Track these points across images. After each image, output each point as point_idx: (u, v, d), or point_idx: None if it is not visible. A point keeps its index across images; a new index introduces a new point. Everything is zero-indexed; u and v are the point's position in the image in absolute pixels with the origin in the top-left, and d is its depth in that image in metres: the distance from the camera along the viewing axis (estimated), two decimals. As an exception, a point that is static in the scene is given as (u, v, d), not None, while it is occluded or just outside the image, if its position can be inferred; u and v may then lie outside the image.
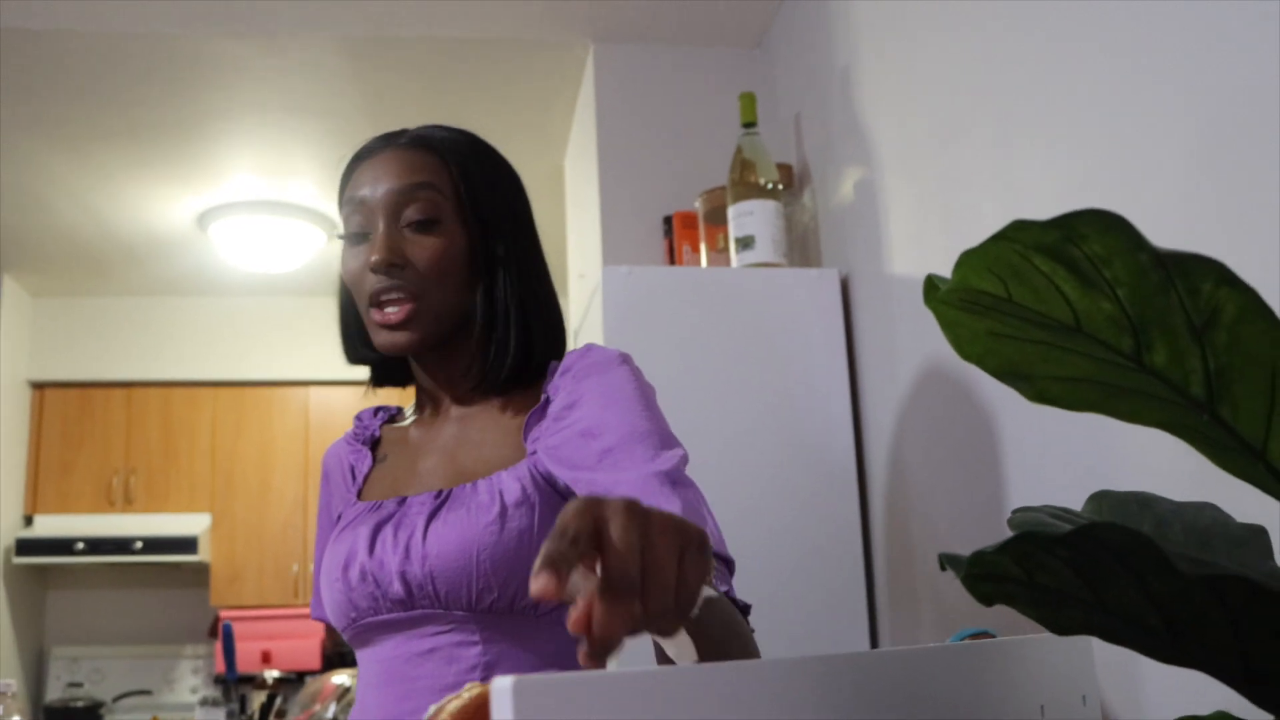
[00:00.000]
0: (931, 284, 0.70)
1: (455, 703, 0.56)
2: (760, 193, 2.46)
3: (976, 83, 1.85)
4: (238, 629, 3.85)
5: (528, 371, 1.41)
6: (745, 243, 2.44)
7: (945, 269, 0.72)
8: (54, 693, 5.42)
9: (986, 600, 0.71)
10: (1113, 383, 0.71)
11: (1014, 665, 1.02)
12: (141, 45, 3.27)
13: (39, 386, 5.66)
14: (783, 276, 2.41)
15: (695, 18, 3.06)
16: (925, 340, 2.05)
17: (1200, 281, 0.61)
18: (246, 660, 4.83)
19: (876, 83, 2.29)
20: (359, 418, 1.58)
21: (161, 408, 5.63)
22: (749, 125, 2.54)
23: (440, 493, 1.33)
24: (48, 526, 5.40)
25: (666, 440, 1.27)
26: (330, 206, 4.35)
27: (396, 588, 1.29)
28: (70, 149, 4.02)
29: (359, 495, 1.47)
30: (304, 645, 5.21)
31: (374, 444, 1.54)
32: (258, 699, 3.35)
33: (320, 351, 5.38)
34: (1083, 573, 0.62)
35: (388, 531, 1.33)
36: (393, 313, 1.34)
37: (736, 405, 2.32)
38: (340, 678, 3.18)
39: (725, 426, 2.29)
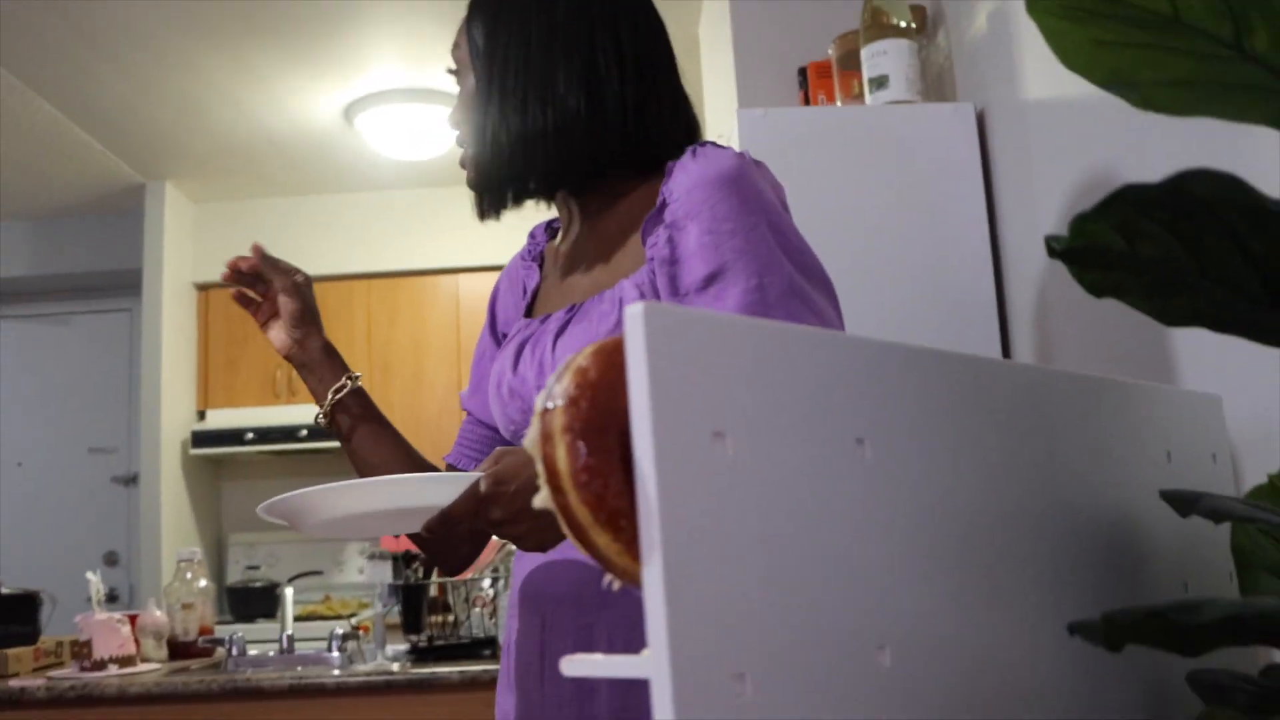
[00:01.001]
0: (1033, -14, 0.73)
1: (593, 345, 0.62)
2: (894, 32, 2.46)
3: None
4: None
5: (610, 171, 1.44)
6: (879, 82, 2.44)
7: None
8: (234, 575, 5.76)
9: (1096, 290, 0.74)
10: (1216, 81, 0.73)
11: (1141, 408, 1.05)
12: (283, -65, 3.37)
13: (204, 289, 5.92)
14: (918, 113, 2.41)
15: None
16: (1063, 168, 2.04)
17: (1293, -52, 0.63)
18: (407, 541, 5.04)
19: (1006, -90, 2.26)
20: (531, 234, 1.65)
21: (318, 302, 5.83)
22: (879, -33, 2.53)
23: (572, 307, 1.40)
24: (219, 419, 5.68)
25: (767, 266, 1.27)
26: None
27: (536, 400, 1.38)
28: (223, 49, 4.17)
29: (528, 311, 1.56)
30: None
31: (543, 259, 1.61)
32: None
33: (468, 238, 5.53)
34: (1181, 234, 0.65)
35: (528, 349, 1.41)
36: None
37: (875, 243, 2.35)
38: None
39: (864, 264, 2.32)
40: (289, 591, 3.33)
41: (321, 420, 1.56)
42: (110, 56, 4.17)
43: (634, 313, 0.56)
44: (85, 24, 3.89)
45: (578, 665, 0.62)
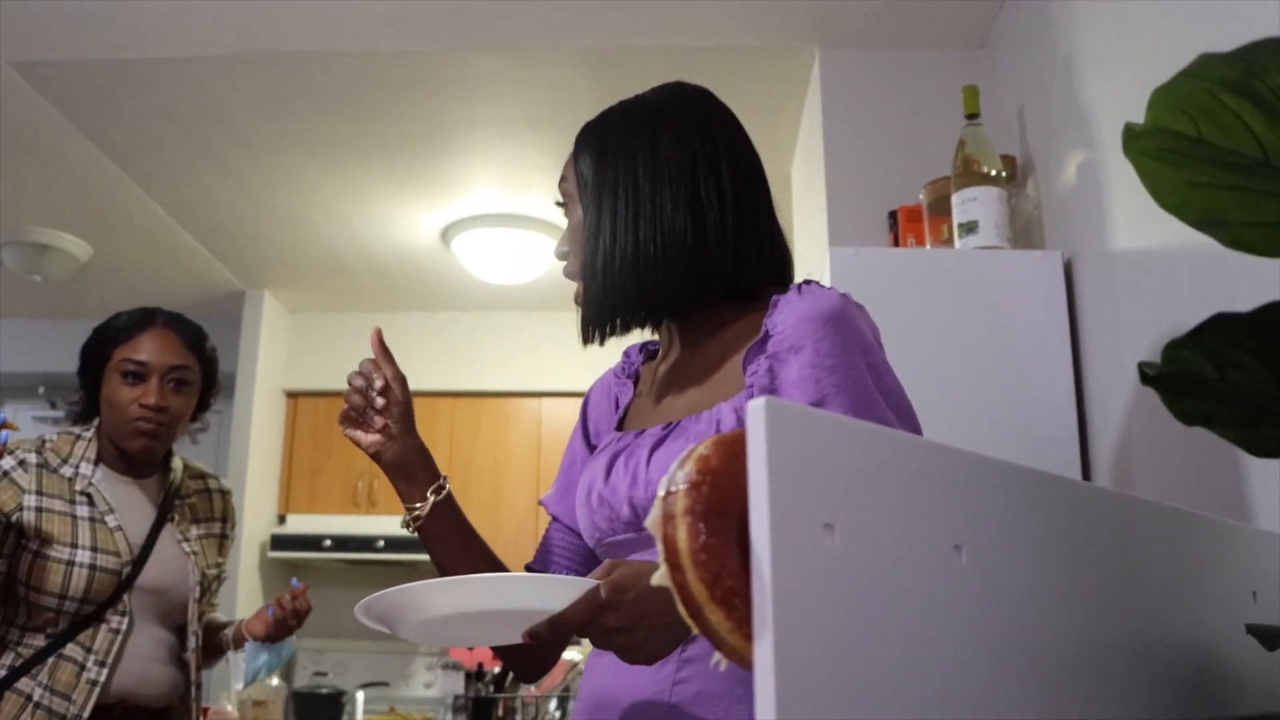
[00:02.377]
0: (1130, 131, 0.78)
1: (715, 436, 0.67)
2: (984, 180, 2.52)
3: (1196, 50, 1.88)
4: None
5: (704, 302, 1.49)
6: (969, 228, 2.51)
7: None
8: (301, 680, 5.78)
9: (1186, 419, 0.79)
10: (1304, 224, 0.78)
11: (1229, 545, 1.08)
12: (396, 62, 3.53)
13: (293, 396, 6.07)
14: (1006, 259, 2.47)
15: (919, 21, 3.15)
16: (1149, 317, 2.07)
17: (1377, 104, 0.68)
18: (480, 653, 5.05)
19: (1098, 66, 2.33)
20: (626, 353, 1.70)
21: (405, 417, 5.94)
22: (972, 116, 2.61)
23: (669, 424, 1.45)
24: (299, 525, 5.77)
25: (863, 403, 1.32)
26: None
27: (625, 511, 1.42)
28: (329, 164, 4.33)
29: (619, 425, 1.61)
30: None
31: (637, 378, 1.67)
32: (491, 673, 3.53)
33: (554, 364, 5.64)
34: (1270, 364, 0.69)
35: (621, 461, 1.46)
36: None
37: (960, 384, 2.38)
38: (570, 654, 3.33)
39: (947, 408, 2.35)
40: (360, 696, 3.36)
41: (411, 523, 1.56)
42: (224, 168, 4.35)
43: (757, 407, 0.61)
44: (204, 136, 4.08)
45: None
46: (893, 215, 2.94)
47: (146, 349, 2.53)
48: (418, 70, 3.58)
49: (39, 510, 2.38)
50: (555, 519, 1.67)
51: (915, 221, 2.83)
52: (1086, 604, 0.85)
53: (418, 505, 1.54)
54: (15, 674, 2.32)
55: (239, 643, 2.53)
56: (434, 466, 1.57)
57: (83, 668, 2.33)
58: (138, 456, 2.54)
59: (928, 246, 2.74)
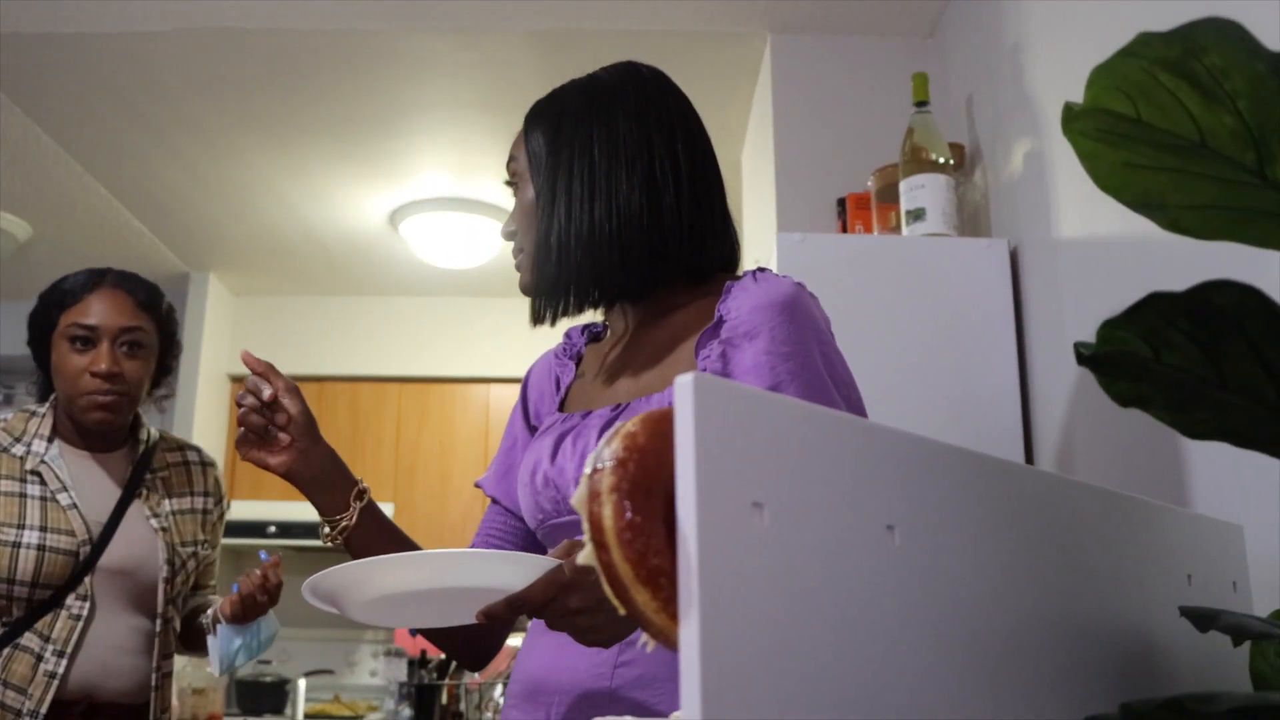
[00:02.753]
0: (1069, 111, 0.78)
1: (642, 414, 0.66)
2: (932, 167, 2.53)
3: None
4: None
5: (658, 283, 1.48)
6: (916, 215, 2.51)
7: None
8: (244, 670, 5.72)
9: (1123, 400, 0.78)
10: (1241, 206, 0.77)
11: (1166, 529, 1.08)
12: (343, 41, 3.49)
13: (237, 380, 5.99)
14: (952, 246, 2.47)
15: (870, 8, 3.16)
16: (1093, 304, 2.08)
17: (1314, 85, 0.67)
18: (424, 640, 5.02)
19: (1046, 55, 2.34)
20: (568, 334, 1.69)
21: (350, 402, 5.90)
22: (921, 104, 2.61)
23: (618, 405, 1.44)
24: (243, 511, 5.67)
25: (816, 391, 1.33)
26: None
27: (572, 491, 1.41)
28: (274, 144, 4.28)
29: (560, 406, 1.59)
30: (480, 627, 5.41)
31: (579, 359, 1.65)
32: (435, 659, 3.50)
33: (502, 350, 5.61)
34: (1203, 344, 0.69)
35: (569, 442, 1.44)
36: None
37: (905, 372, 2.39)
38: (515, 640, 3.31)
39: (892, 393, 2.35)
40: (302, 684, 3.33)
41: (336, 536, 1.48)
42: (168, 147, 4.29)
43: (684, 382, 0.60)
44: (146, 114, 4.01)
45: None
46: (841, 202, 2.94)
47: (95, 311, 2.39)
48: (365, 50, 3.55)
49: None
50: (495, 501, 1.65)
51: (863, 208, 2.84)
52: (1023, 586, 0.84)
53: (342, 515, 1.47)
54: None
55: (214, 626, 2.36)
56: (349, 472, 1.51)
57: (40, 658, 2.22)
58: (96, 430, 2.42)
59: (875, 233, 2.74)
